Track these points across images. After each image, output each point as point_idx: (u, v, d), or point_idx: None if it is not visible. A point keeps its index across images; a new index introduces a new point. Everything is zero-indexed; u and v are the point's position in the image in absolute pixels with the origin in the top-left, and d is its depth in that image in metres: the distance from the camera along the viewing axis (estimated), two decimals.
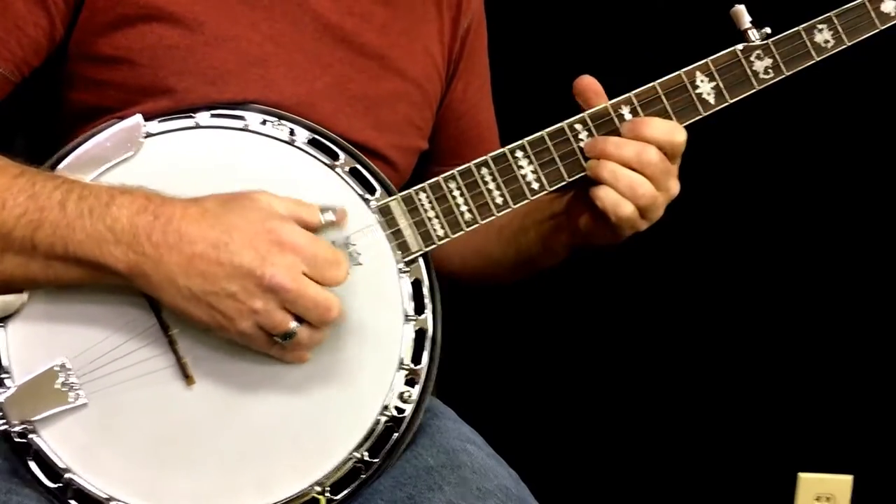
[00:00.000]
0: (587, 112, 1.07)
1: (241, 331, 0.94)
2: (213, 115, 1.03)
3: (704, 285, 1.86)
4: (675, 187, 1.07)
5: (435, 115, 1.25)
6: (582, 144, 1.07)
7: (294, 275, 0.92)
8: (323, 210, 0.99)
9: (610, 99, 1.08)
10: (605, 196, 1.04)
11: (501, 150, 1.07)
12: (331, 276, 0.95)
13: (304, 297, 0.93)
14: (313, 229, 0.97)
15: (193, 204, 0.94)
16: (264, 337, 0.95)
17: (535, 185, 1.07)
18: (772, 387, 1.90)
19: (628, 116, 1.07)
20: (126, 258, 0.92)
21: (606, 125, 1.07)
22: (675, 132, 1.05)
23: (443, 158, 1.27)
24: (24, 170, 0.95)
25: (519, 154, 1.07)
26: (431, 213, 1.05)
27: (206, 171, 1.01)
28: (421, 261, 1.05)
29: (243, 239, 0.92)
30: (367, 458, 1.02)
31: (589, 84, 1.08)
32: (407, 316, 1.03)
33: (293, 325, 0.94)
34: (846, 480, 1.96)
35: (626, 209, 1.04)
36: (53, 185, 0.93)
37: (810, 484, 1.95)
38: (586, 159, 1.07)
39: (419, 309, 1.04)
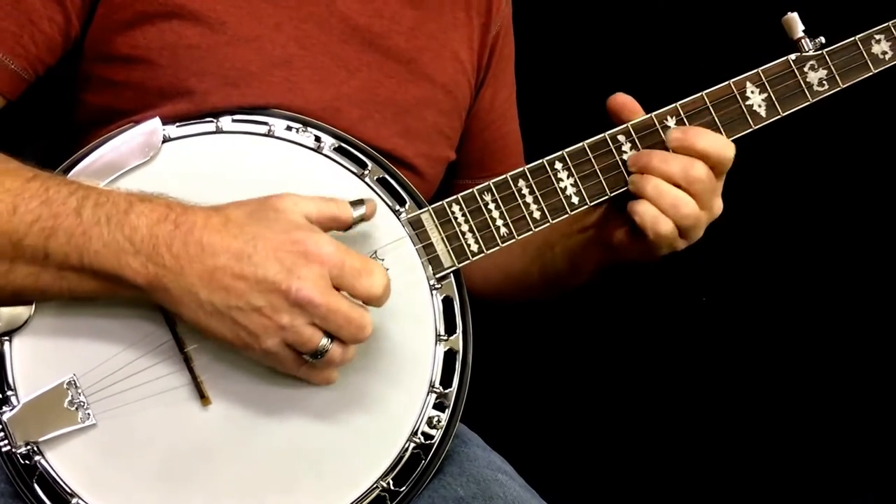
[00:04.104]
0: (630, 123, 1.02)
1: (266, 349, 0.88)
2: (235, 120, 0.99)
3: (740, 318, 1.82)
4: (718, 206, 1.02)
5: (463, 124, 1.20)
6: (626, 157, 1.02)
7: (323, 288, 0.86)
8: (353, 204, 0.92)
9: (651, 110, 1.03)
10: (645, 211, 0.99)
11: (540, 161, 1.02)
12: (363, 287, 0.88)
13: (336, 312, 0.87)
14: (347, 226, 0.92)
15: (216, 212, 0.88)
16: (292, 356, 0.89)
17: (575, 200, 1.02)
18: (818, 420, 1.84)
19: None
20: (145, 270, 0.86)
21: (651, 137, 1.02)
22: (725, 147, 1.00)
23: (467, 171, 1.23)
24: (37, 173, 0.89)
25: (558, 166, 1.01)
26: (465, 227, 1.00)
27: (226, 178, 0.97)
28: (452, 277, 1.00)
29: (268, 250, 0.86)
30: (392, 486, 0.97)
31: (625, 102, 1.02)
32: (438, 335, 0.98)
33: (324, 341, 0.88)
34: None
35: (666, 226, 0.99)
36: (68, 190, 0.88)
37: None
38: (630, 173, 1.01)
39: (450, 328, 0.99)
